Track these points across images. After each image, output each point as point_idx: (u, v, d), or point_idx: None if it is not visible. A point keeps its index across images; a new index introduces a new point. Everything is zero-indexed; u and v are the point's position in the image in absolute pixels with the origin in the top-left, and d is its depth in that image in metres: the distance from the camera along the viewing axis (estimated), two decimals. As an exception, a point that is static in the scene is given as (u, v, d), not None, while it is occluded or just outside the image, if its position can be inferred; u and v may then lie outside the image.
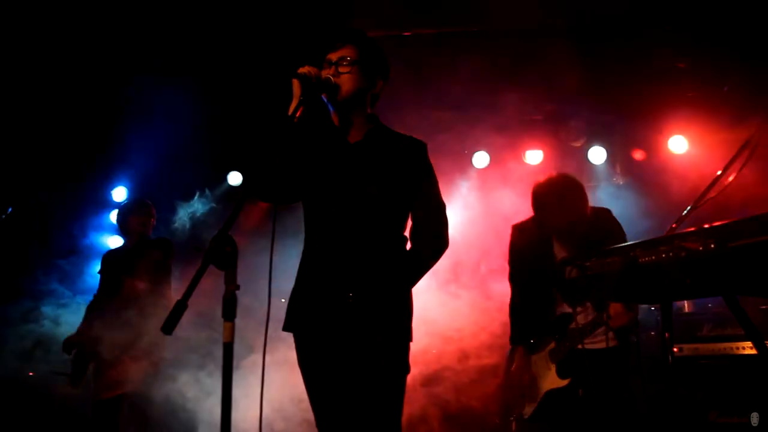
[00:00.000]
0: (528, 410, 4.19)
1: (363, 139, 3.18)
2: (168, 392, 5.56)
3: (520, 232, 4.39)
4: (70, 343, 5.44)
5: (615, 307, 3.81)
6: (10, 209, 5.30)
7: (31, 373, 6.38)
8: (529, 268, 4.26)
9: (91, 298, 5.69)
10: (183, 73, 6.37)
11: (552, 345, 4.15)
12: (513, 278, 4.43)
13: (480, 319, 6.60)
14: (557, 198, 4.07)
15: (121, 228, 5.82)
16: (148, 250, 5.60)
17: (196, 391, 5.62)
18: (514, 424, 4.30)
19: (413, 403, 6.57)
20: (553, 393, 4.09)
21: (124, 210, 5.83)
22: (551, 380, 4.10)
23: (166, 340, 5.53)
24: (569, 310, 4.09)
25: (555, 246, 4.18)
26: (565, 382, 4.05)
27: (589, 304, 4.05)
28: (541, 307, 4.21)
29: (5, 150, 6.95)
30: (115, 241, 7.87)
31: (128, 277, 5.36)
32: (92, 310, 5.58)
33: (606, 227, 4.08)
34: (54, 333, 6.12)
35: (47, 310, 6.34)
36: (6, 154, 6.97)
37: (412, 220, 3.24)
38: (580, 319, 4.04)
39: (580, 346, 3.94)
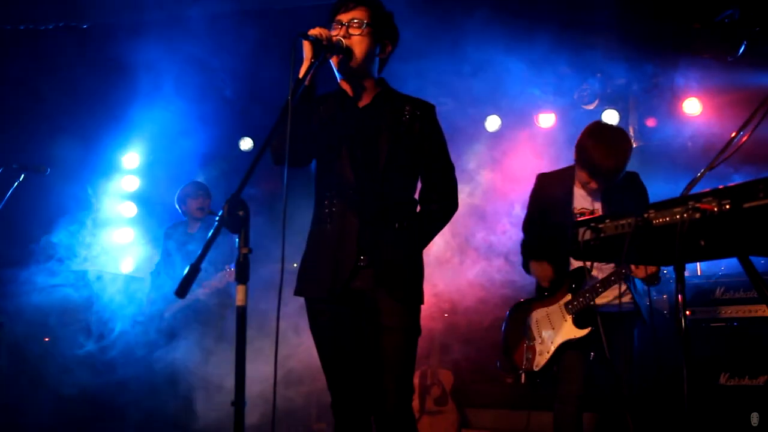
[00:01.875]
0: (540, 361, 4.19)
1: (371, 102, 3.17)
2: (171, 356, 5.68)
3: (543, 180, 4.37)
4: None
5: None
6: (23, 175, 5.31)
7: (46, 339, 6.46)
8: (546, 217, 4.25)
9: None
10: (194, 37, 6.34)
11: (568, 297, 4.15)
12: (527, 225, 4.41)
13: (488, 282, 6.62)
14: (607, 148, 3.99)
15: (182, 211, 6.24)
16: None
17: (197, 355, 5.71)
18: (523, 376, 4.29)
19: (425, 362, 6.63)
20: (568, 344, 4.10)
21: (182, 194, 6.23)
22: (568, 331, 4.10)
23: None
24: (585, 266, 4.10)
25: (575, 199, 4.17)
26: (583, 332, 4.05)
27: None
28: (553, 254, 4.21)
29: (15, 113, 6.98)
30: (126, 208, 7.92)
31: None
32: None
33: (630, 188, 4.08)
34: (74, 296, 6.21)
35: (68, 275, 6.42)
36: (16, 118, 7.00)
37: (422, 182, 3.24)
38: (596, 272, 4.06)
39: (599, 301, 3.98)
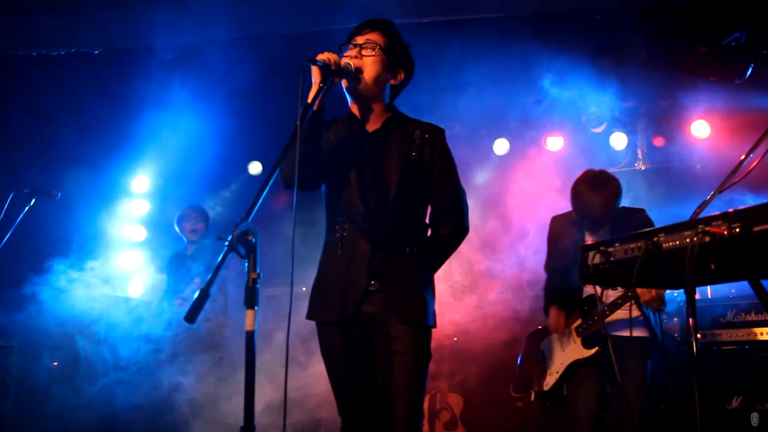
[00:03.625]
0: (549, 381, 4.27)
1: (381, 127, 3.17)
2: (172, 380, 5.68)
3: (557, 222, 4.51)
4: None
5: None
6: (33, 200, 5.35)
7: (55, 363, 6.46)
8: (563, 257, 4.30)
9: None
10: (204, 62, 6.39)
11: (579, 321, 4.23)
12: (548, 267, 4.52)
13: (498, 306, 6.60)
14: (591, 186, 4.21)
15: (180, 233, 6.41)
16: (208, 252, 6.11)
17: (191, 379, 5.71)
18: (533, 395, 4.36)
19: (434, 387, 6.60)
20: (577, 363, 4.17)
21: (179, 217, 6.42)
22: (576, 352, 4.19)
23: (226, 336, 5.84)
24: (596, 292, 4.14)
25: (587, 239, 4.24)
26: (590, 352, 4.14)
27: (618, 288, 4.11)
28: (572, 292, 4.27)
29: (27, 138, 7.03)
30: (135, 231, 7.94)
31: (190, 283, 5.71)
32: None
33: (638, 226, 4.10)
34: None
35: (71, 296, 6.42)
36: (27, 142, 7.05)
37: (432, 206, 3.24)
38: (606, 299, 4.12)
39: (610, 319, 4.03)
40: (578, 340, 4.20)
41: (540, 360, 4.41)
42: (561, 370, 4.23)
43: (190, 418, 5.63)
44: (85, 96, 6.96)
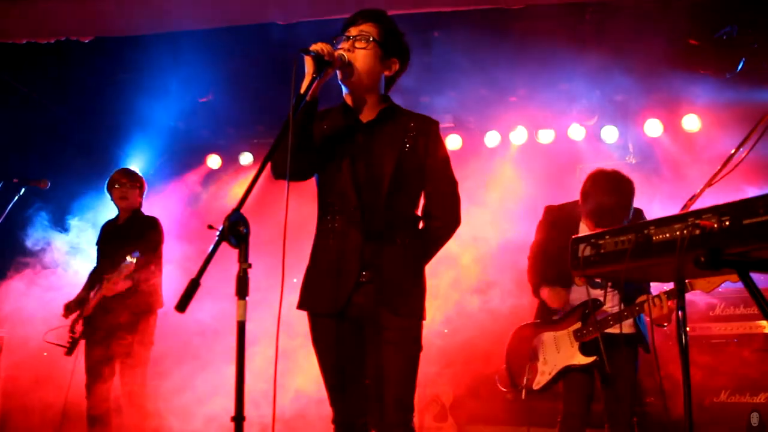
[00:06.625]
0: (541, 380, 4.24)
1: (375, 118, 3.17)
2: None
3: (551, 213, 4.44)
4: (68, 308, 5.49)
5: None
6: (23, 189, 5.33)
7: (45, 353, 6.44)
8: (552, 248, 4.28)
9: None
10: (196, 52, 6.36)
11: (577, 325, 4.18)
12: (535, 252, 4.46)
13: (488, 299, 6.61)
14: (605, 189, 4.08)
15: (112, 201, 5.70)
16: (139, 227, 5.53)
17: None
18: (524, 392, 4.33)
19: (424, 378, 6.62)
20: (571, 368, 4.14)
21: (108, 182, 5.66)
22: (573, 357, 4.14)
23: (155, 316, 5.51)
24: (598, 293, 4.13)
25: (581, 233, 4.20)
26: (588, 360, 4.09)
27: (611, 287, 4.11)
28: (561, 282, 4.25)
29: (17, 127, 6.99)
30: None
31: (120, 253, 5.23)
32: (91, 282, 5.57)
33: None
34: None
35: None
36: (17, 131, 7.01)
37: (425, 198, 3.24)
38: (609, 305, 4.11)
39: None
40: (576, 345, 4.15)
41: (531, 357, 4.35)
42: (554, 372, 4.20)
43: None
44: (76, 85, 6.93)
